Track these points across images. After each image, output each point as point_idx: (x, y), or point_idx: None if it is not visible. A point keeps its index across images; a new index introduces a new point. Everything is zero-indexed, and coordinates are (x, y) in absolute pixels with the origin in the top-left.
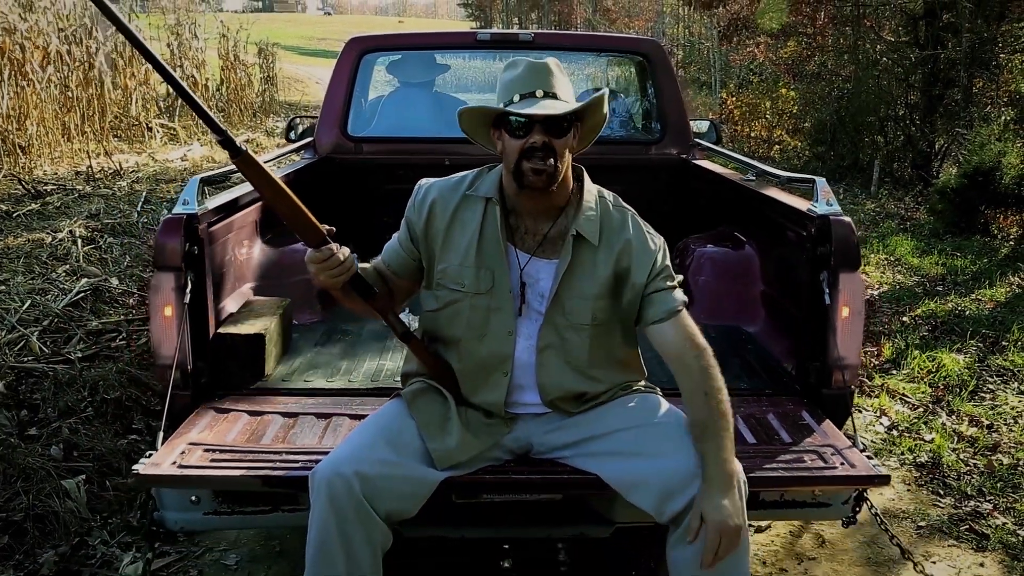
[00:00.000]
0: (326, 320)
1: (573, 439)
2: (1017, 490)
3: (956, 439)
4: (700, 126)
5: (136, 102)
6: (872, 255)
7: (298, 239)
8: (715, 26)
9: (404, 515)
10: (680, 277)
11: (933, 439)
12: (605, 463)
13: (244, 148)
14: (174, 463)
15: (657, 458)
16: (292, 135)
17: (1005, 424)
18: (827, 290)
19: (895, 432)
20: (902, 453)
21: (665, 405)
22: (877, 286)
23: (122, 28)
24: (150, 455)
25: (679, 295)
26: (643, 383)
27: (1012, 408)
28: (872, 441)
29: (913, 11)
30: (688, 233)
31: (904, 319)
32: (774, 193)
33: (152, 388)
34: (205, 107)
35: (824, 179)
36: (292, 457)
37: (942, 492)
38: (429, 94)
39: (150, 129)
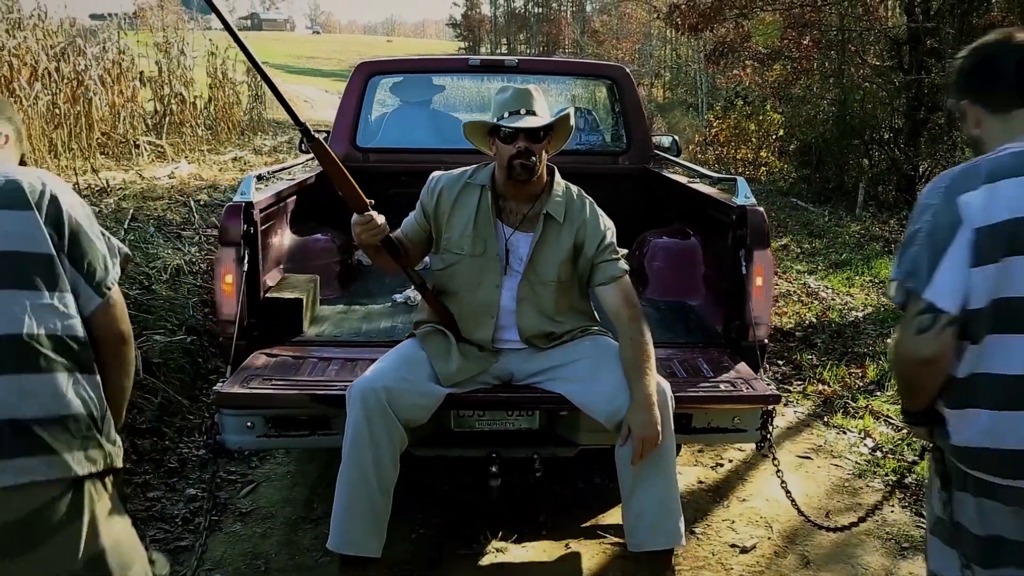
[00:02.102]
0: (344, 296)
1: (544, 367)
2: None
3: None
4: (664, 141)
5: (124, 120)
6: (857, 277)
7: (320, 231)
8: (701, 49)
9: (417, 421)
10: (624, 251)
11: (916, 460)
12: (568, 385)
13: (316, 136)
14: (242, 386)
15: (605, 382)
16: (303, 147)
17: None
18: (744, 264)
19: (879, 453)
20: (886, 474)
21: (612, 343)
22: (862, 308)
23: (231, 31)
24: (223, 382)
25: (621, 265)
26: (596, 327)
27: None
28: (856, 462)
29: (897, 37)
30: (649, 228)
31: (888, 341)
32: (710, 192)
33: (140, 407)
34: (289, 103)
35: (743, 178)
36: (329, 384)
37: (925, 513)
38: (427, 111)
39: (137, 147)
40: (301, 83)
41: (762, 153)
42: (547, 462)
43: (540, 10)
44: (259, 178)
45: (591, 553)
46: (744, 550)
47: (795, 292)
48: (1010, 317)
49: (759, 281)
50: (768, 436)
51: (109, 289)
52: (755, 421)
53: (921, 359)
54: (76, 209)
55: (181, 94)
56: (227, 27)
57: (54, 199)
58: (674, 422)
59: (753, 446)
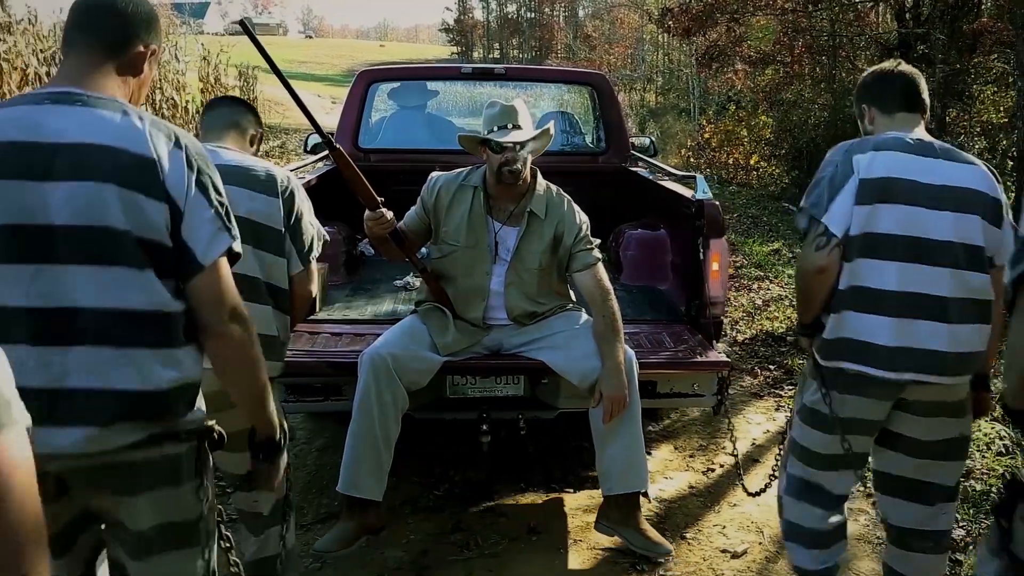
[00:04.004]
0: (350, 282)
1: (527, 339)
2: (990, 516)
3: None
4: (643, 142)
5: None
6: None
7: (327, 224)
8: (693, 53)
9: (418, 385)
10: (598, 241)
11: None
12: (547, 353)
13: (337, 146)
14: None
15: (579, 350)
16: (308, 147)
17: (978, 450)
18: (702, 250)
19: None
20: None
21: (585, 317)
22: None
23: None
24: None
25: (595, 254)
26: (572, 305)
27: (985, 435)
28: None
29: (888, 42)
30: (625, 221)
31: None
32: (677, 188)
33: None
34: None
35: (702, 175)
36: (342, 353)
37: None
38: (422, 114)
39: None
40: (294, 88)
41: (753, 159)
42: (533, 427)
43: (533, 15)
44: None
45: (582, 559)
46: (735, 555)
47: (787, 296)
48: (874, 246)
49: (715, 266)
50: (724, 400)
51: (309, 262)
52: (712, 387)
53: (816, 268)
54: (303, 203)
55: (173, 99)
56: (258, 46)
57: (292, 193)
58: (641, 388)
59: (738, 454)
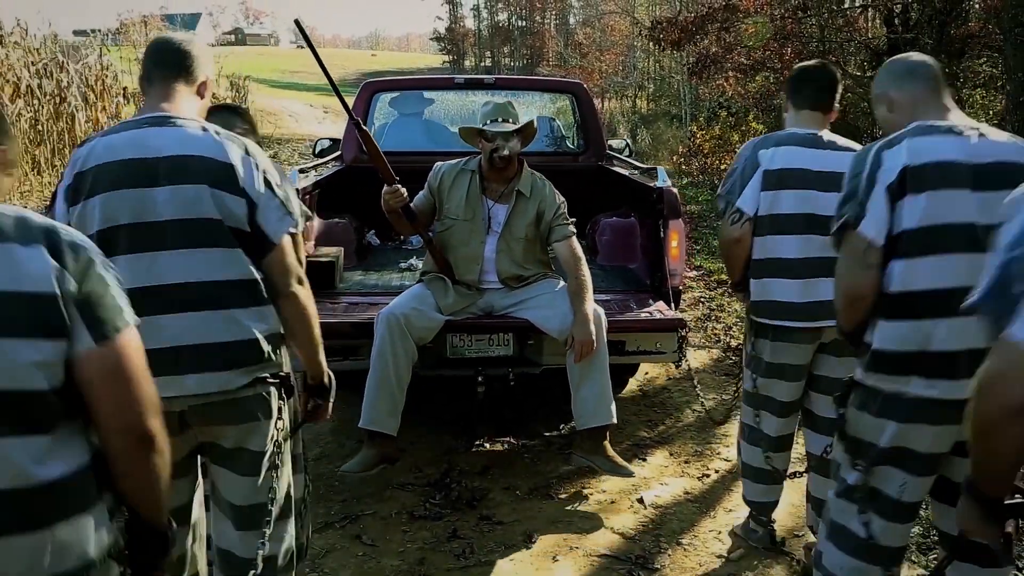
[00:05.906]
0: (360, 265)
1: (515, 301)
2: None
3: None
4: (619, 144)
5: None
6: None
7: (340, 216)
8: (684, 61)
9: (425, 340)
10: (574, 219)
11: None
12: (531, 312)
13: (365, 127)
14: None
15: (557, 308)
16: (316, 151)
17: None
18: (663, 230)
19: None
20: None
21: (563, 283)
22: None
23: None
24: None
25: (570, 228)
26: (552, 273)
27: None
28: None
29: (877, 48)
30: (602, 211)
31: None
32: (643, 180)
33: None
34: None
35: (662, 167)
36: (361, 316)
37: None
38: (420, 121)
39: None
40: (285, 97)
41: None
42: (522, 383)
43: (524, 23)
44: (300, 171)
45: (578, 567)
46: (730, 560)
47: None
48: (778, 224)
49: (674, 243)
50: (683, 356)
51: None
52: (672, 345)
53: (733, 239)
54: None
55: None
56: (310, 45)
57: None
58: (612, 347)
59: (731, 456)
